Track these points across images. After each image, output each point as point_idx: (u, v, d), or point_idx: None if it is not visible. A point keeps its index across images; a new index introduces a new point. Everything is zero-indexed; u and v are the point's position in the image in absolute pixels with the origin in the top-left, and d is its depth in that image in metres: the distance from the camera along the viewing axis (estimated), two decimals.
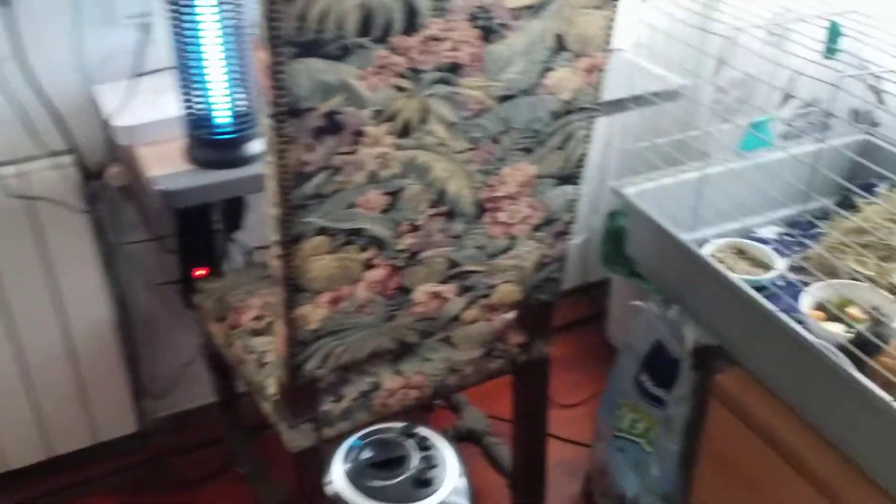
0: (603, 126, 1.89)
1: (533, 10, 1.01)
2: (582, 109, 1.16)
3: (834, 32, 1.17)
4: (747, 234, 1.54)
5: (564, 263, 1.35)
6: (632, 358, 1.58)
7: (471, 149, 1.09)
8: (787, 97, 1.63)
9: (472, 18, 0.98)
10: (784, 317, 1.14)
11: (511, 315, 1.39)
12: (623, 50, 1.69)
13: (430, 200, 1.11)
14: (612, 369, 1.64)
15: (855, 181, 1.57)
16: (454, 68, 1.01)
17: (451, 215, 1.14)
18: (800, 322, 1.22)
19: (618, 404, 1.61)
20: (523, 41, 1.03)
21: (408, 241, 1.12)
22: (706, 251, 1.43)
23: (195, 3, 1.19)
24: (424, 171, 1.07)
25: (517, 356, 1.42)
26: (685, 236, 1.41)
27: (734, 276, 1.25)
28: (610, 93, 1.30)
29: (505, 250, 1.24)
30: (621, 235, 1.59)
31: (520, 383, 1.49)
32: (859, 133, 1.62)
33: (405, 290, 1.17)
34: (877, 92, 1.64)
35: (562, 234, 1.29)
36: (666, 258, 1.40)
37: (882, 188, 1.54)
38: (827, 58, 1.20)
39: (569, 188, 1.24)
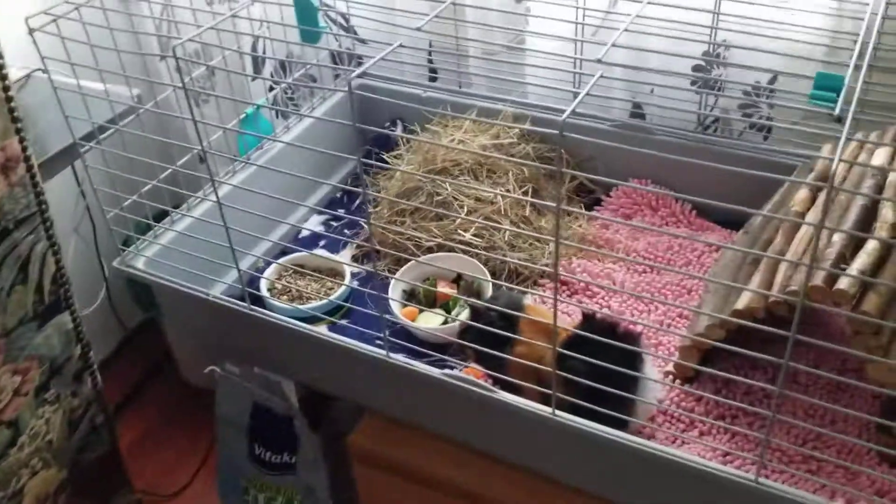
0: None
1: None
2: (25, 220, 0.77)
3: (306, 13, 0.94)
4: (296, 238, 1.31)
5: (103, 401, 0.98)
6: (233, 432, 1.28)
7: None
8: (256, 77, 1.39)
9: None
10: (356, 344, 0.94)
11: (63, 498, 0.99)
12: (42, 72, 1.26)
13: None
14: (217, 452, 1.33)
15: (370, 134, 1.43)
16: None
17: None
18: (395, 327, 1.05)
19: (241, 488, 1.32)
20: None
21: None
22: (265, 285, 1.16)
23: None
24: None
25: None
26: (221, 287, 1.12)
27: (282, 319, 1.00)
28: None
29: (11, 443, 0.83)
30: None
31: None
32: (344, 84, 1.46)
33: None
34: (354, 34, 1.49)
35: (82, 372, 0.91)
36: (212, 322, 1.10)
37: (399, 130, 1.42)
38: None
39: (60, 319, 0.85)
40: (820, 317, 1.07)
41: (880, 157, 0.97)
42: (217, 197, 0.89)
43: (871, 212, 0.88)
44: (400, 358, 0.90)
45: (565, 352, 0.78)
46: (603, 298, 1.12)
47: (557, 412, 0.83)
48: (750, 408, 0.90)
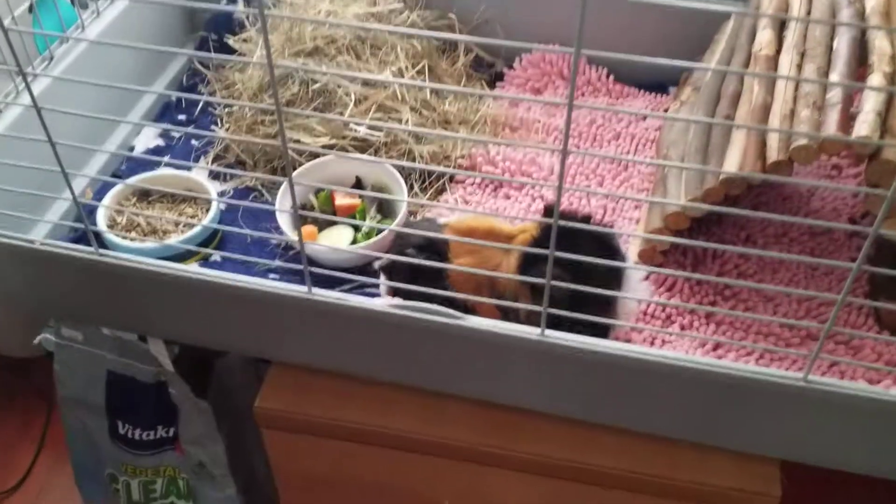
0: None
1: None
2: None
3: None
4: (127, 161, 1.01)
5: None
6: (85, 412, 1.01)
7: None
8: None
9: None
10: (268, 284, 0.70)
11: None
12: None
13: None
14: (66, 438, 1.05)
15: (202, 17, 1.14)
16: None
17: None
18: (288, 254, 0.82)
19: (106, 477, 1.06)
20: None
21: None
22: (103, 218, 0.88)
23: None
24: None
25: None
26: (42, 228, 0.84)
27: (146, 262, 0.73)
28: None
29: None
30: None
31: None
32: None
33: None
34: None
35: None
36: (40, 278, 0.81)
37: (240, 5, 1.13)
38: None
39: None
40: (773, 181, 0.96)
41: None
42: (33, 99, 0.60)
43: (862, 44, 0.75)
44: (327, 293, 0.68)
45: (562, 254, 0.60)
46: (535, 189, 0.95)
47: (547, 332, 0.65)
48: (735, 281, 0.77)
